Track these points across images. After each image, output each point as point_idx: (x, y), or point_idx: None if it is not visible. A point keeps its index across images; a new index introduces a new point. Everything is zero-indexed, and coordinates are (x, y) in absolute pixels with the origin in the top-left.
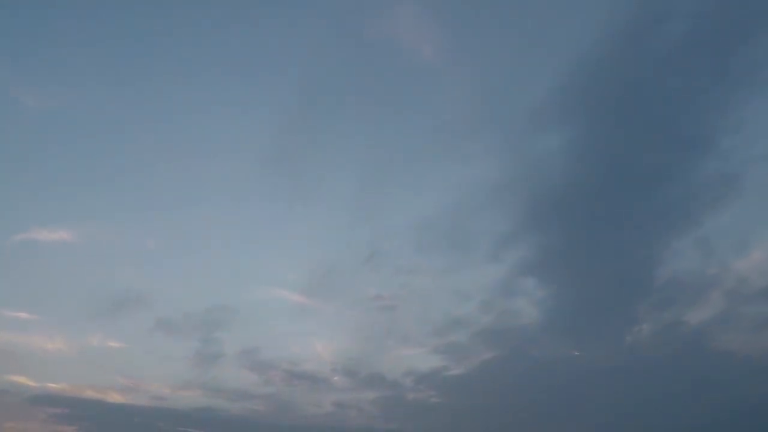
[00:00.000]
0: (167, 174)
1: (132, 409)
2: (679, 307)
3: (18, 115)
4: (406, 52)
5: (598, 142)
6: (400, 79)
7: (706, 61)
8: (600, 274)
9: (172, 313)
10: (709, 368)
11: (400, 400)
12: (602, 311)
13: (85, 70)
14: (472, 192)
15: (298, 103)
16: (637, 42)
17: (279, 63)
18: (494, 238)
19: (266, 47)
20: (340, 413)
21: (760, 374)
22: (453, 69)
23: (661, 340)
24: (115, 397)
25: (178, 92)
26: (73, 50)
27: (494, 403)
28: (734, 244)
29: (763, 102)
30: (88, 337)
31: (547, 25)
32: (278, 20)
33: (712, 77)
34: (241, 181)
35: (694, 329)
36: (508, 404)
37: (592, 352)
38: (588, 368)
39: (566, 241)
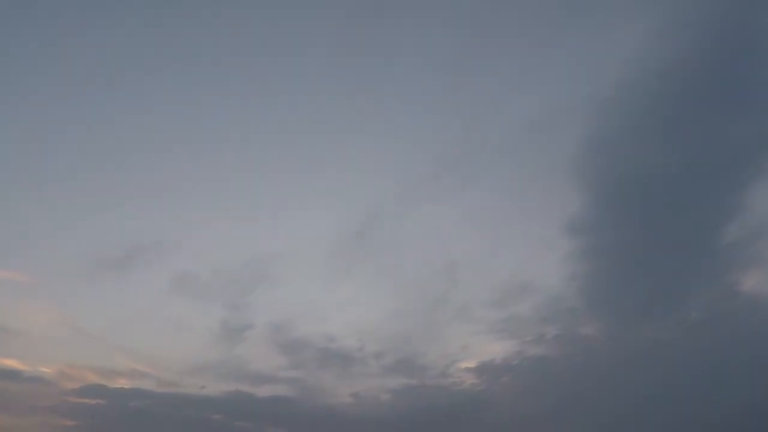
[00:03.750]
0: (195, 87)
1: (140, 396)
2: (743, 272)
3: None
4: None
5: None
6: None
7: None
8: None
9: (197, 269)
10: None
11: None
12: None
13: None
14: (567, 91)
15: None
16: None
17: None
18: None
19: None
20: (380, 401)
21: None
22: None
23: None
24: (120, 382)
25: None
26: None
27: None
28: None
29: None
30: (88, 302)
31: None
32: None
33: None
34: (287, 101)
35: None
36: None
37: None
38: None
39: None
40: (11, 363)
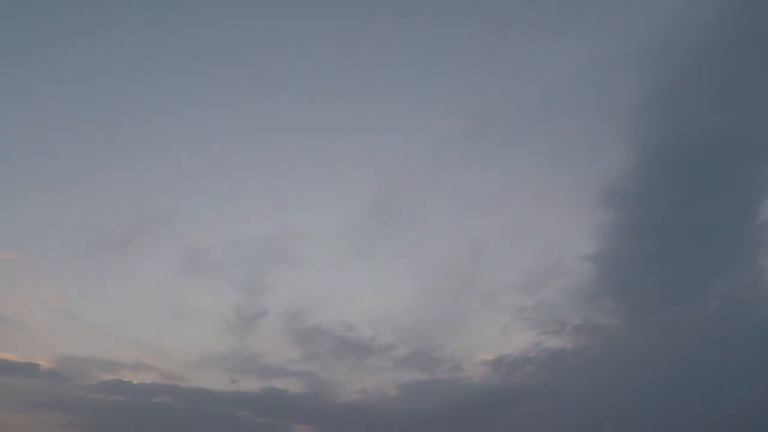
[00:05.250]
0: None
1: (148, 391)
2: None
3: None
4: None
5: None
6: None
7: None
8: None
9: (211, 243)
10: None
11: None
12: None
13: None
14: (614, 40)
15: None
16: None
17: None
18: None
19: None
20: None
21: None
22: None
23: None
24: (126, 376)
25: None
26: None
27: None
28: None
29: None
30: (89, 284)
31: None
32: None
33: None
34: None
35: None
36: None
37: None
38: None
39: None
40: (3, 355)
